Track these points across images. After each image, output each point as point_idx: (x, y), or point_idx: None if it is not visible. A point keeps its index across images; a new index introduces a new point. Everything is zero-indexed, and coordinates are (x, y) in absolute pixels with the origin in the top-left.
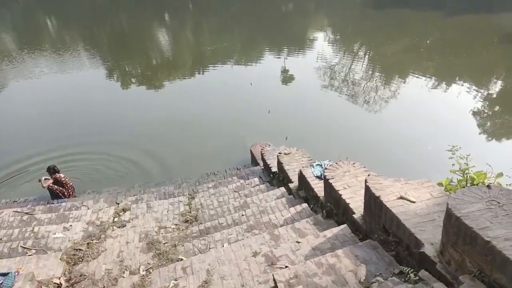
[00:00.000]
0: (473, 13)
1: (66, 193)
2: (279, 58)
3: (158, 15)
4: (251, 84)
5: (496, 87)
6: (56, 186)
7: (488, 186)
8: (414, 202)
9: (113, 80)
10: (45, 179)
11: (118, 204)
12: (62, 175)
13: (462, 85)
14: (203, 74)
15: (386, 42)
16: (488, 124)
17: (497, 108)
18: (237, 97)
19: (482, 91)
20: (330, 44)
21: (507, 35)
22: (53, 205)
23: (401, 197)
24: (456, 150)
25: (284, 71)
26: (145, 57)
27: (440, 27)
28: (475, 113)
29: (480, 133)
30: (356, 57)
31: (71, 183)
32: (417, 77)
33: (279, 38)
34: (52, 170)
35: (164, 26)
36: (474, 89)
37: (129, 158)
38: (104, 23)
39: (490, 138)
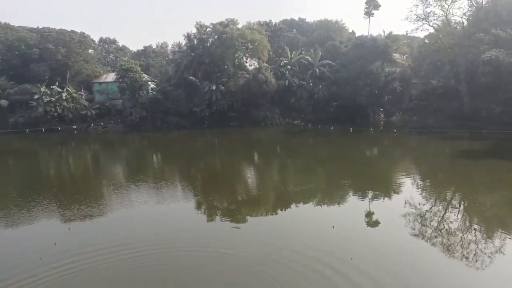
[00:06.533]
0: None
1: None
2: (363, 200)
3: (248, 156)
4: (333, 227)
5: None
6: None
7: None
8: None
9: (200, 212)
10: None
11: None
12: None
13: None
14: (285, 211)
15: (482, 192)
16: None
17: None
18: (318, 241)
19: None
20: (419, 190)
21: None
22: None
23: None
24: None
25: (369, 214)
26: (231, 192)
27: None
28: None
29: None
30: (450, 205)
31: None
32: None
33: (363, 181)
34: None
35: (252, 165)
36: None
37: None
38: (200, 160)
39: None
